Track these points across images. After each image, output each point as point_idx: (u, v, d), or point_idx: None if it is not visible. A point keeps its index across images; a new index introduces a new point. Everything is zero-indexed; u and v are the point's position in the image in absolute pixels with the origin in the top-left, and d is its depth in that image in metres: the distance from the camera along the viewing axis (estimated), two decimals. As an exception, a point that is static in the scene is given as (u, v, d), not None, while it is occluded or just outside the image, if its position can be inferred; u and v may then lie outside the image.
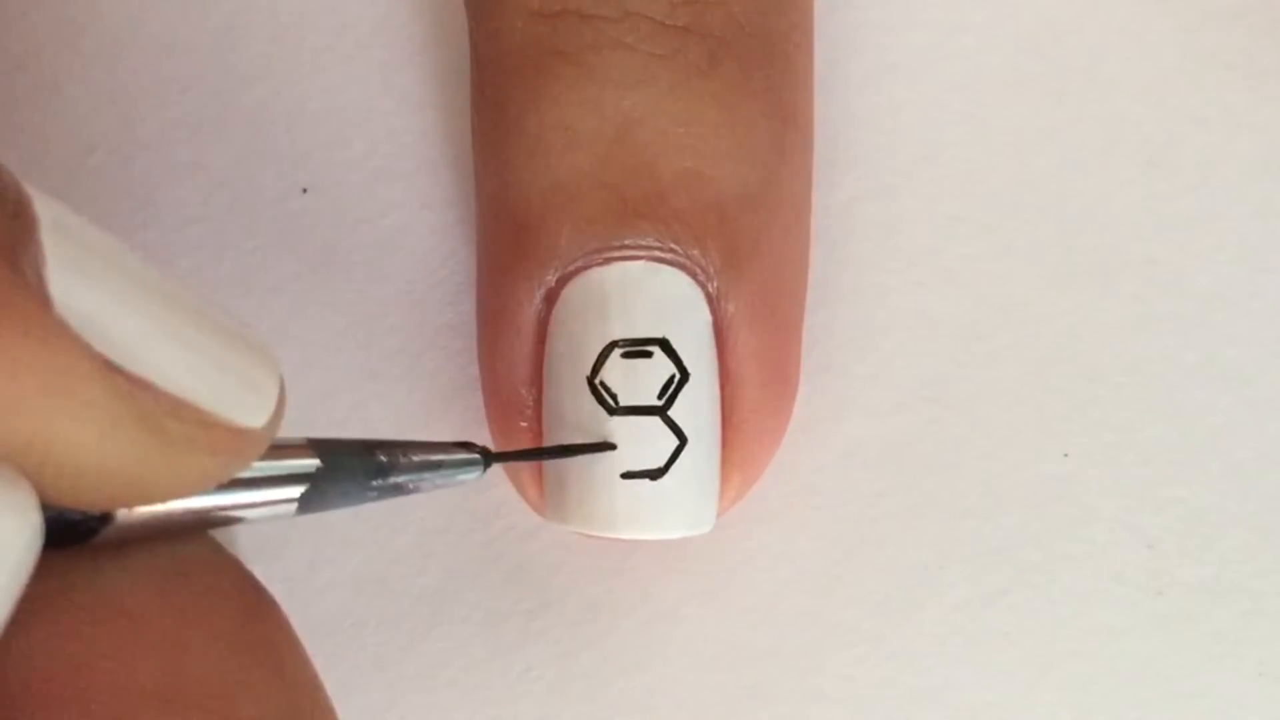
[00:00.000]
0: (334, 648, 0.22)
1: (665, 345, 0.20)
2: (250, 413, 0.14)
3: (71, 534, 0.14)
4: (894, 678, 0.22)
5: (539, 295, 0.20)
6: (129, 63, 0.23)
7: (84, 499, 0.13)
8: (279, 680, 0.15)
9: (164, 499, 0.14)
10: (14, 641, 0.13)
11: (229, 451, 0.14)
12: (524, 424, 0.20)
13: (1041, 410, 0.22)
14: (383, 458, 0.17)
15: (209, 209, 0.23)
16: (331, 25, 0.23)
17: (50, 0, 0.24)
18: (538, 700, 0.22)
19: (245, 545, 0.16)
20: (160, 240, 0.23)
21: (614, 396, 0.20)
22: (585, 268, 0.20)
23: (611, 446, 0.20)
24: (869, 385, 0.22)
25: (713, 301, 0.20)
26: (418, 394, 0.23)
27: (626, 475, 0.20)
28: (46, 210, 0.13)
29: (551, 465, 0.20)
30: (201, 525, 0.15)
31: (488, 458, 0.18)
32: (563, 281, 0.20)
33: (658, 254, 0.20)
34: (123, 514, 0.14)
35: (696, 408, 0.20)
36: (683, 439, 0.20)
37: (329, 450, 0.16)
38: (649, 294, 0.20)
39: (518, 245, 0.20)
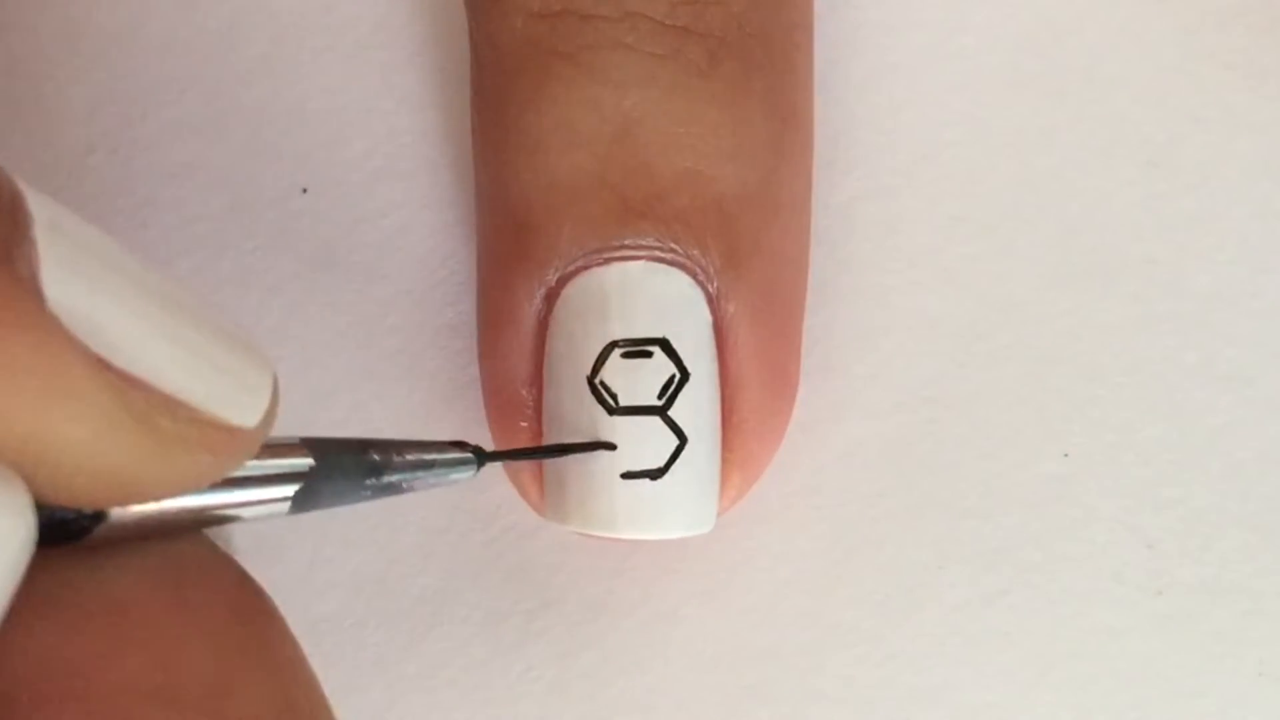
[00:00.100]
0: (334, 648, 0.22)
1: (665, 345, 0.20)
2: (243, 411, 0.14)
3: (65, 532, 0.14)
4: (894, 678, 0.22)
5: (539, 295, 0.20)
6: (129, 63, 0.23)
7: (78, 497, 0.13)
8: (274, 677, 0.15)
9: (158, 497, 0.14)
10: (8, 640, 0.13)
11: (222, 450, 0.14)
12: (524, 424, 0.20)
13: (1041, 410, 0.22)
14: (376, 457, 0.17)
15: (209, 209, 0.23)
16: (331, 25, 0.23)
17: (50, 1, 0.24)
18: (538, 700, 0.22)
19: (245, 545, 0.16)
20: (160, 240, 0.23)
21: (614, 396, 0.20)
22: (585, 268, 0.20)
23: (605, 445, 0.20)
24: (869, 385, 0.22)
25: (713, 301, 0.20)
26: (418, 394, 0.23)
27: (626, 475, 0.20)
28: (41, 209, 0.13)
29: (551, 465, 0.20)
30: (195, 524, 0.15)
31: (481, 457, 0.18)
32: (563, 281, 0.20)
33: (658, 254, 0.20)
34: (116, 512, 0.14)
35: (696, 408, 0.20)
36: (683, 439, 0.20)
37: (323, 449, 0.16)
38: (649, 294, 0.20)
39: (518, 245, 0.20)
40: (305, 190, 0.23)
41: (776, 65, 0.20)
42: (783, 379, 0.21)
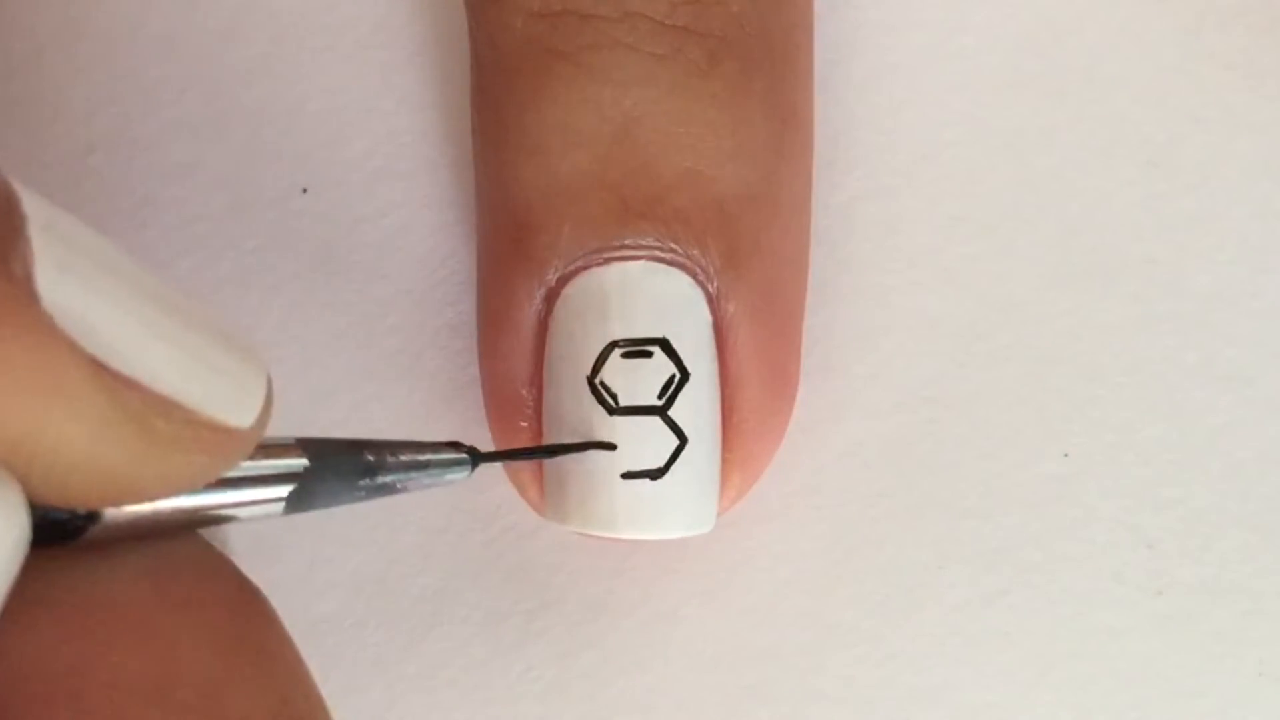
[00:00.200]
0: (334, 648, 0.22)
1: (665, 345, 0.20)
2: (238, 412, 0.14)
3: (60, 532, 0.14)
4: (894, 678, 0.22)
5: (539, 295, 0.20)
6: (129, 63, 0.23)
7: (72, 497, 0.13)
8: (269, 676, 0.15)
9: (152, 498, 0.14)
10: (2, 640, 0.13)
11: (216, 451, 0.14)
12: (524, 424, 0.20)
13: (1041, 410, 0.22)
14: (370, 457, 0.17)
15: (209, 209, 0.23)
16: (331, 25, 0.23)
17: (50, 1, 0.24)
18: (538, 700, 0.22)
19: (244, 545, 0.16)
20: (160, 240, 0.23)
21: (614, 396, 0.20)
22: (585, 268, 0.20)
23: (600, 445, 0.20)
24: (869, 385, 0.22)
25: (713, 301, 0.20)
26: (418, 394, 0.23)
27: (626, 475, 0.20)
28: (35, 209, 0.13)
29: (551, 465, 0.20)
30: (189, 524, 0.15)
31: (476, 457, 0.18)
32: (563, 281, 0.20)
33: (658, 254, 0.20)
34: (111, 513, 0.14)
35: (696, 407, 0.20)
36: (683, 439, 0.20)
37: (317, 449, 0.16)
38: (649, 294, 0.20)
39: (518, 245, 0.20)
40: (305, 190, 0.23)
41: (776, 65, 0.20)
42: (783, 379, 0.21)
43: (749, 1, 0.20)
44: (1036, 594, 0.22)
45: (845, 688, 0.22)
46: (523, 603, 0.22)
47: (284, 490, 0.16)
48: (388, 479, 0.17)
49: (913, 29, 0.23)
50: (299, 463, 0.16)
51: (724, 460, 0.20)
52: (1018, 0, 0.23)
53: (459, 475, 0.18)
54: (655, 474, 0.20)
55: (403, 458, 0.17)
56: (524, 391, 0.20)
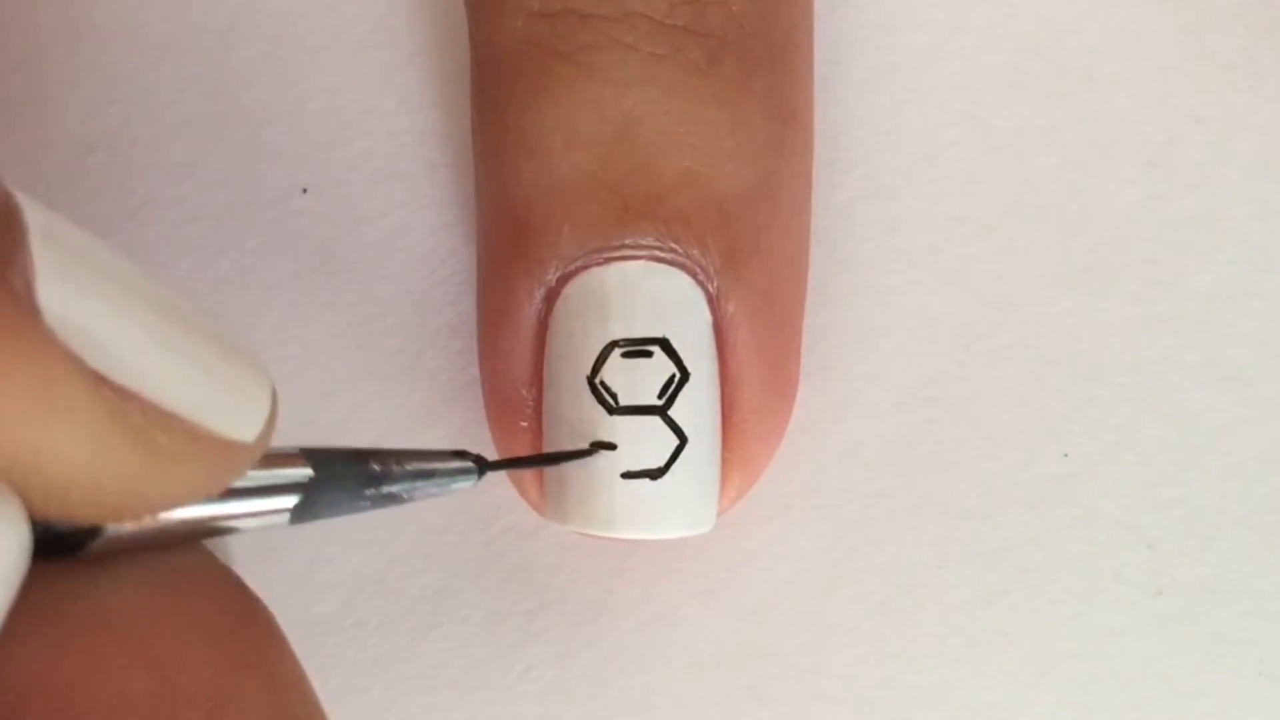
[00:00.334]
0: (334, 648, 0.22)
1: (665, 345, 0.20)
2: (242, 425, 0.14)
3: (62, 545, 0.14)
4: (894, 678, 0.22)
5: (539, 295, 0.20)
6: (129, 63, 0.23)
7: (72, 513, 0.13)
8: (271, 689, 0.14)
9: (153, 513, 0.14)
10: (3, 654, 0.13)
11: (219, 464, 0.14)
12: (524, 424, 0.20)
13: (1041, 410, 0.22)
14: (376, 467, 0.17)
15: (209, 209, 0.23)
16: (331, 25, 0.23)
17: (50, 1, 0.24)
18: (538, 700, 0.22)
19: (244, 546, 0.16)
20: (160, 240, 0.23)
21: (614, 396, 0.20)
22: (585, 267, 0.20)
23: (605, 447, 0.19)
24: (869, 385, 0.22)
25: (713, 301, 0.20)
26: (418, 394, 0.23)
27: (626, 475, 0.20)
28: (36, 218, 0.12)
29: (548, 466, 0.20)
30: (193, 536, 0.15)
31: (482, 466, 0.18)
32: (563, 281, 0.20)
33: (658, 254, 0.20)
34: (113, 525, 0.14)
35: (697, 407, 0.20)
36: (683, 439, 0.20)
37: (322, 459, 0.16)
38: (649, 294, 0.20)
39: (518, 245, 0.20)
40: (305, 190, 0.23)
41: (776, 65, 0.20)
42: (783, 379, 0.21)
43: (749, 1, 0.20)
44: (1036, 594, 0.22)
45: (845, 688, 0.22)
46: (523, 603, 0.22)
47: (289, 501, 0.16)
48: (394, 489, 0.17)
49: (913, 29, 0.23)
50: (304, 473, 0.16)
51: (724, 460, 0.20)
52: (1018, 0, 0.23)
53: (465, 484, 0.18)
54: (655, 474, 0.20)
55: (409, 467, 0.17)
56: (524, 391, 0.20)
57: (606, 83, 0.19)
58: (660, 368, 0.20)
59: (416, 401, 0.23)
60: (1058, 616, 0.22)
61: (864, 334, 0.22)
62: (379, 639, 0.22)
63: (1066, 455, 0.22)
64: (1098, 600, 0.22)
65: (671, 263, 0.20)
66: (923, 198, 0.23)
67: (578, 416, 0.20)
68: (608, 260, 0.20)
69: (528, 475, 0.21)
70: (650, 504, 0.20)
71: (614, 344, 0.19)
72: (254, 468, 0.15)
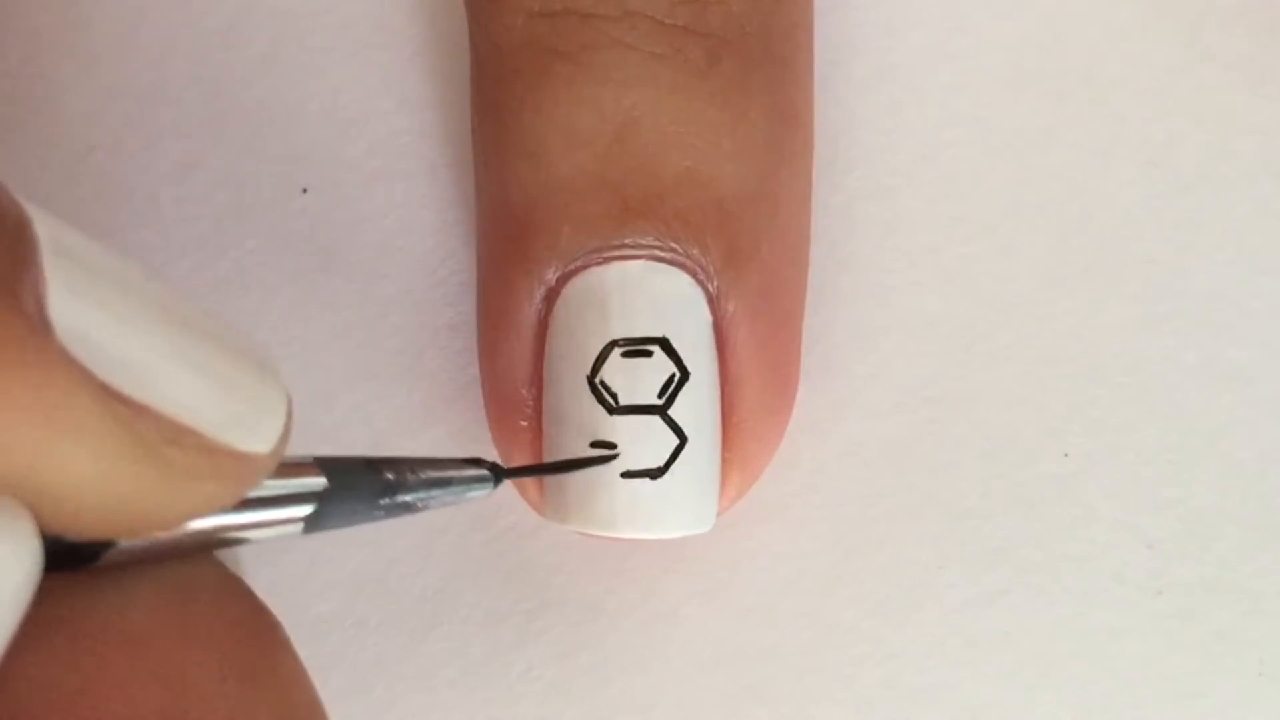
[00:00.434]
0: (334, 648, 0.22)
1: (665, 344, 0.19)
2: (256, 437, 0.14)
3: (73, 558, 0.14)
4: (894, 678, 0.22)
5: (539, 294, 0.20)
6: (129, 63, 0.23)
7: (84, 528, 0.13)
8: (280, 703, 0.14)
9: (166, 528, 0.14)
10: (15, 667, 0.13)
11: (234, 477, 0.14)
12: (524, 424, 0.20)
13: (1041, 410, 0.22)
14: (390, 476, 0.17)
15: (209, 209, 0.23)
16: (331, 25, 0.23)
17: (50, 1, 0.24)
18: (538, 700, 0.22)
19: (245, 547, 0.16)
20: (160, 240, 0.23)
21: (614, 396, 0.20)
22: (585, 267, 0.20)
23: (608, 447, 0.19)
24: (869, 385, 0.22)
25: (713, 301, 0.20)
26: (418, 394, 0.23)
27: (626, 475, 0.20)
28: (47, 231, 0.12)
29: (552, 468, 0.20)
30: (205, 546, 0.15)
31: (498, 474, 0.18)
32: (563, 281, 0.20)
33: (658, 253, 0.20)
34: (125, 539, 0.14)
35: (697, 407, 0.20)
36: (683, 438, 0.20)
37: (336, 469, 0.16)
38: (649, 293, 0.20)
39: (518, 245, 0.20)
40: (305, 190, 0.23)
41: (776, 65, 0.20)
42: (783, 378, 0.21)
43: (749, 1, 0.20)
44: (1036, 594, 0.22)
45: (845, 688, 0.22)
46: (523, 603, 0.22)
47: (303, 510, 0.15)
48: (408, 498, 0.17)
49: (913, 29, 0.23)
50: (318, 482, 0.15)
51: (724, 460, 0.20)
52: (1018, 0, 0.23)
53: (480, 493, 0.18)
54: (655, 473, 0.20)
55: (423, 475, 0.17)
56: (524, 391, 0.20)
57: (606, 82, 0.19)
58: (660, 367, 0.20)
59: (416, 401, 0.23)
60: (1058, 616, 0.22)
61: (864, 334, 0.22)
62: (379, 639, 0.22)
63: (1066, 455, 0.22)
64: (1098, 600, 0.22)
65: (671, 262, 0.20)
66: (923, 198, 0.23)
67: (578, 416, 0.20)
68: (607, 260, 0.20)
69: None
70: (650, 504, 0.20)
71: (614, 343, 0.19)
72: (268, 477, 0.15)
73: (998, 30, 0.23)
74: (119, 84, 0.23)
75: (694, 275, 0.20)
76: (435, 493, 0.17)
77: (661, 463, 0.20)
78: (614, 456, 0.19)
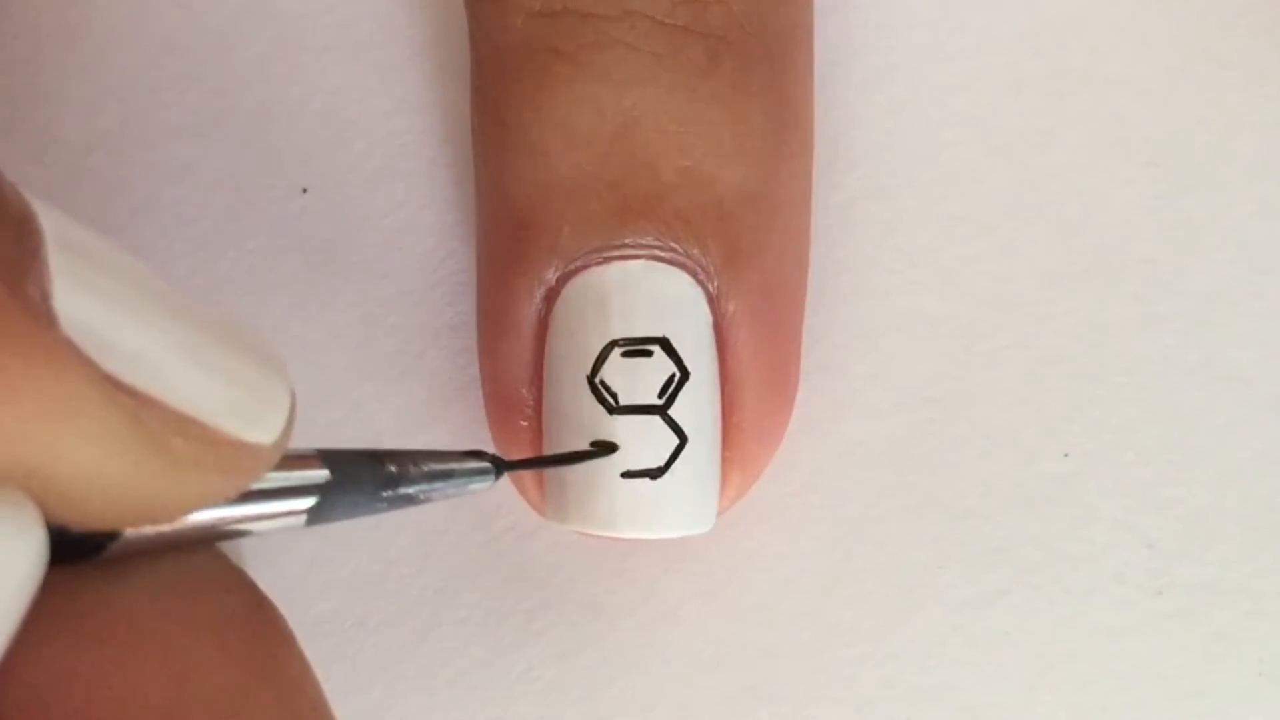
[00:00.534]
0: (334, 648, 0.22)
1: (665, 344, 0.20)
2: (260, 428, 0.14)
3: (78, 549, 0.14)
4: (894, 678, 0.22)
5: (539, 294, 0.20)
6: (129, 63, 0.23)
7: (90, 519, 0.13)
8: (284, 694, 0.14)
9: (170, 518, 0.14)
10: (20, 658, 0.13)
11: (237, 468, 0.14)
12: (524, 423, 0.20)
13: (1041, 410, 0.22)
14: (393, 468, 0.17)
15: (209, 209, 0.23)
16: (331, 25, 0.23)
17: (50, 0, 0.24)
18: (538, 700, 0.22)
19: (245, 546, 0.16)
20: (160, 240, 0.23)
21: (614, 396, 0.20)
22: (585, 267, 0.20)
23: (608, 446, 0.20)
24: (869, 385, 0.22)
25: (713, 301, 0.20)
26: (418, 394, 0.23)
27: (626, 475, 0.20)
28: (51, 224, 0.12)
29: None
30: (208, 538, 0.15)
31: (499, 466, 0.18)
32: (563, 280, 0.20)
33: (658, 253, 0.20)
34: (129, 529, 0.14)
35: (697, 407, 0.20)
36: (683, 438, 0.20)
37: (338, 461, 0.16)
38: (649, 293, 0.20)
39: (518, 244, 0.20)
40: (305, 190, 0.23)
41: (776, 65, 0.20)
42: (783, 378, 0.21)
43: (749, 1, 0.20)
44: (1036, 594, 0.22)
45: (845, 688, 0.22)
46: (523, 603, 0.22)
47: (305, 503, 0.15)
48: (410, 490, 0.17)
49: (913, 29, 0.23)
50: (320, 475, 0.16)
51: (724, 460, 0.20)
52: (1018, 0, 0.23)
53: (482, 485, 0.18)
54: (655, 473, 0.20)
55: (425, 468, 0.17)
56: (524, 391, 0.20)
57: (606, 82, 0.19)
58: (660, 367, 0.20)
59: (416, 401, 0.23)
60: (1058, 616, 0.22)
61: (864, 334, 0.22)
62: (379, 639, 0.22)
63: (1066, 455, 0.22)
64: (1098, 600, 0.22)
65: (671, 262, 0.20)
66: (923, 198, 0.23)
67: (578, 416, 0.20)
68: (608, 260, 0.20)
69: (528, 475, 0.21)
70: (650, 504, 0.20)
71: (614, 343, 0.19)
72: (271, 469, 0.15)
73: (998, 30, 0.23)
74: (119, 84, 0.23)
75: (694, 275, 0.20)
76: (437, 485, 0.17)
77: (661, 463, 0.20)
78: (614, 449, 0.19)
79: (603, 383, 0.20)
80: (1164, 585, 0.22)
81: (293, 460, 0.15)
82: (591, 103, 0.19)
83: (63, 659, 0.13)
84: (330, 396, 0.22)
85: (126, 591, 0.14)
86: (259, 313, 0.23)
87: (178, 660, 0.14)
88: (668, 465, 0.20)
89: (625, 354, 0.19)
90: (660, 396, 0.20)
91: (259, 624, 0.15)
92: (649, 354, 0.20)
